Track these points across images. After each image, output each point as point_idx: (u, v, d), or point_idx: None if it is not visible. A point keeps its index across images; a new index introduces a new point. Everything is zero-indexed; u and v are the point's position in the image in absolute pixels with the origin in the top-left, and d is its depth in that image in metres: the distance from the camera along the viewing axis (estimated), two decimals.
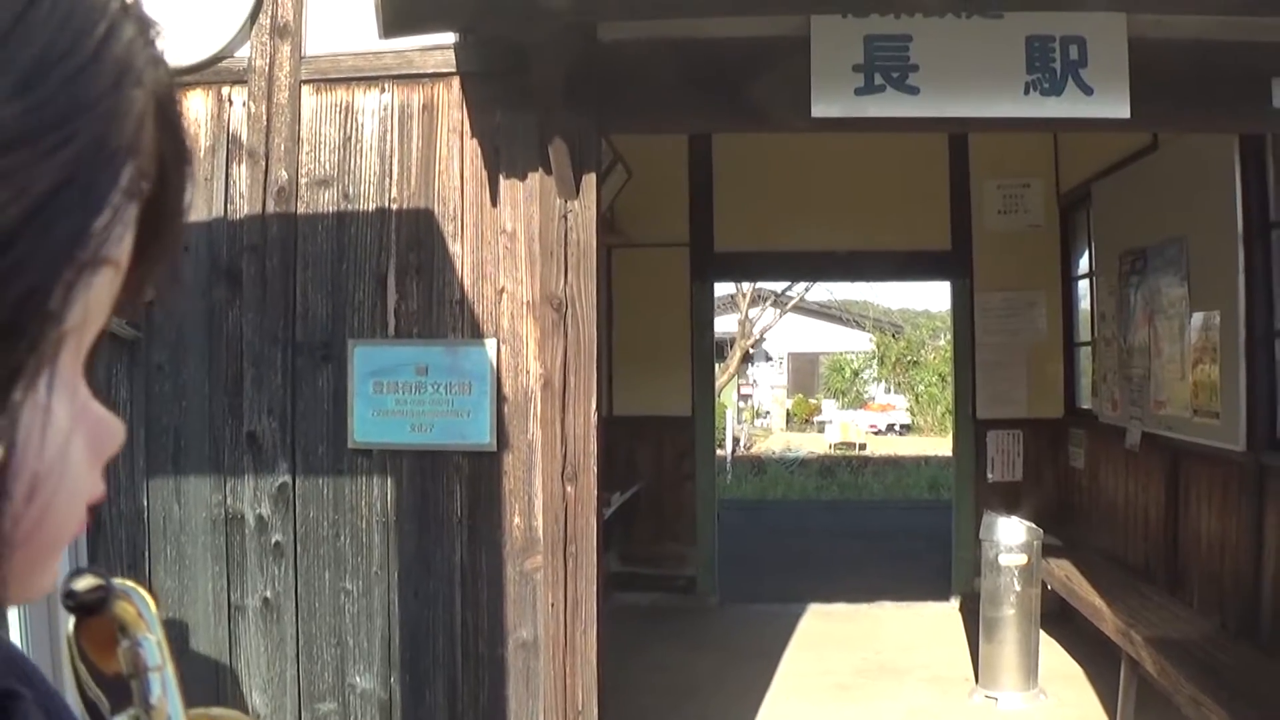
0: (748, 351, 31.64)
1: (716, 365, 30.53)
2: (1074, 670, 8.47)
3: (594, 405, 5.21)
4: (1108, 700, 7.50)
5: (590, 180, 5.19)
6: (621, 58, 5.20)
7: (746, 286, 28.95)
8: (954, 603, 10.77)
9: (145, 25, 0.64)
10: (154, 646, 0.94)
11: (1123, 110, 4.80)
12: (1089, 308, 10.26)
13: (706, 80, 5.16)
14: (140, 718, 0.93)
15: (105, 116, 0.60)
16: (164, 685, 0.95)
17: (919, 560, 12.81)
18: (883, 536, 15.53)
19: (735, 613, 10.98)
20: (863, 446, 29.14)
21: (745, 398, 36.06)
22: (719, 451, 23.61)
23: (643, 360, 11.44)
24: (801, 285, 30.26)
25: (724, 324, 31.12)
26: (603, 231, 10.12)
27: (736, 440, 27.95)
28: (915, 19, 4.89)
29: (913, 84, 4.90)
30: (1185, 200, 7.57)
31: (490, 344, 5.26)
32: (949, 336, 32.78)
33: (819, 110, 4.95)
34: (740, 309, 29.57)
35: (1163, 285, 8.00)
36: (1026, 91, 4.86)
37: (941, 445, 25.25)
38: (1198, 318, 7.41)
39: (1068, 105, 4.84)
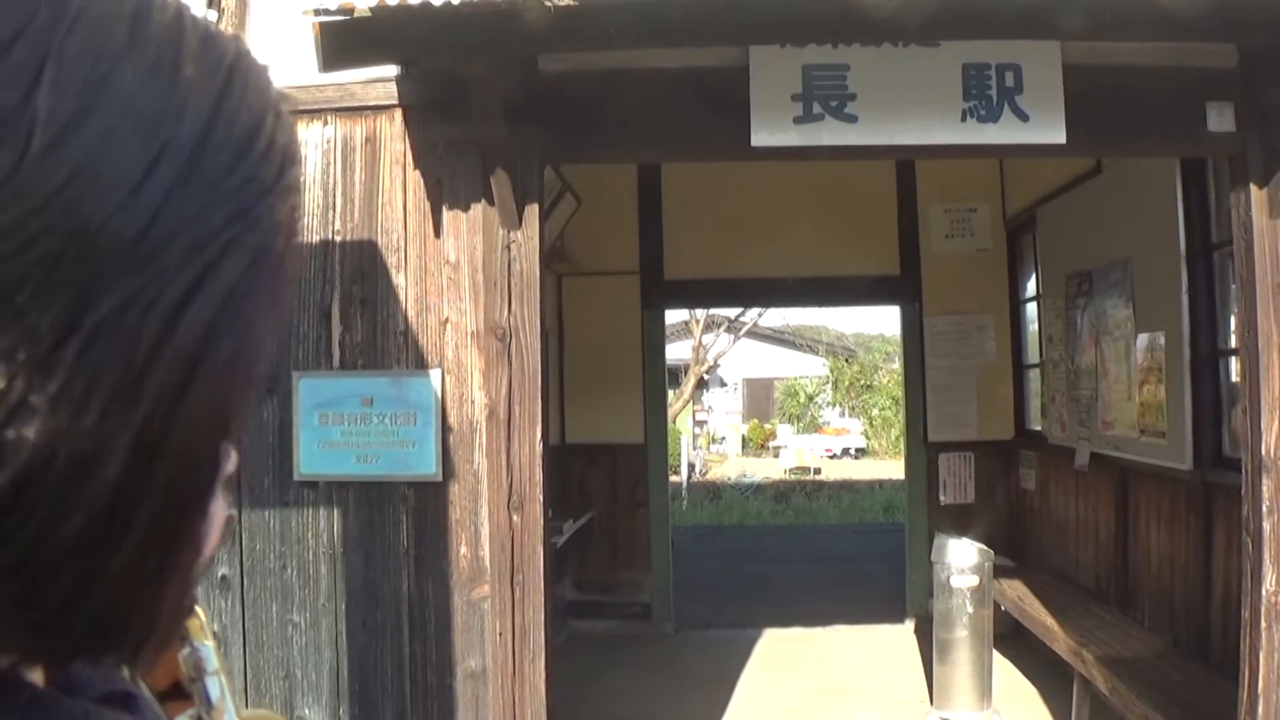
0: (702, 378, 31.58)
1: (671, 392, 30.59)
2: (1028, 690, 8.50)
3: (539, 434, 5.21)
4: (1060, 717, 7.53)
5: (533, 210, 5.21)
6: (563, 89, 5.23)
7: (700, 312, 28.92)
8: (909, 625, 10.81)
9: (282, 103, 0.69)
10: (211, 652, 1.02)
11: (1058, 136, 4.87)
12: (1037, 330, 10.32)
13: (648, 110, 5.20)
14: (203, 717, 0.98)
15: (287, 191, 0.66)
16: (221, 688, 1.03)
17: (874, 583, 12.86)
18: (838, 560, 15.55)
19: (691, 639, 10.97)
20: (818, 471, 29.20)
21: (700, 424, 36.04)
22: (674, 478, 23.56)
23: (595, 387, 11.44)
24: (755, 311, 30.27)
25: (678, 350, 31.12)
26: (545, 260, 10.18)
27: (692, 466, 27.90)
28: (853, 49, 4.95)
29: (851, 112, 4.96)
30: (1129, 223, 7.65)
31: (435, 374, 5.26)
32: (902, 360, 32.77)
33: (759, 139, 5.00)
34: (694, 335, 29.54)
35: (1108, 307, 8.08)
36: (964, 118, 4.92)
37: (896, 469, 25.23)
38: (1143, 338, 7.49)
39: (1004, 132, 4.90)
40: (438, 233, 5.28)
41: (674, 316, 29.22)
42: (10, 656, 0.59)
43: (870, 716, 8.31)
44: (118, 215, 0.56)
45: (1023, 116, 4.89)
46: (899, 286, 11.19)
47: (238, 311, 0.61)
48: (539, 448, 5.22)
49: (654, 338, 11.76)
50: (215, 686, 1.02)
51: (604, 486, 11.70)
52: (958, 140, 4.98)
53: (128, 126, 0.58)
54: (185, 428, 0.60)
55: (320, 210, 5.38)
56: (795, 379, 40.07)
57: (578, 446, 11.58)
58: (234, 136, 0.62)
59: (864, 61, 4.96)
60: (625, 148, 5.50)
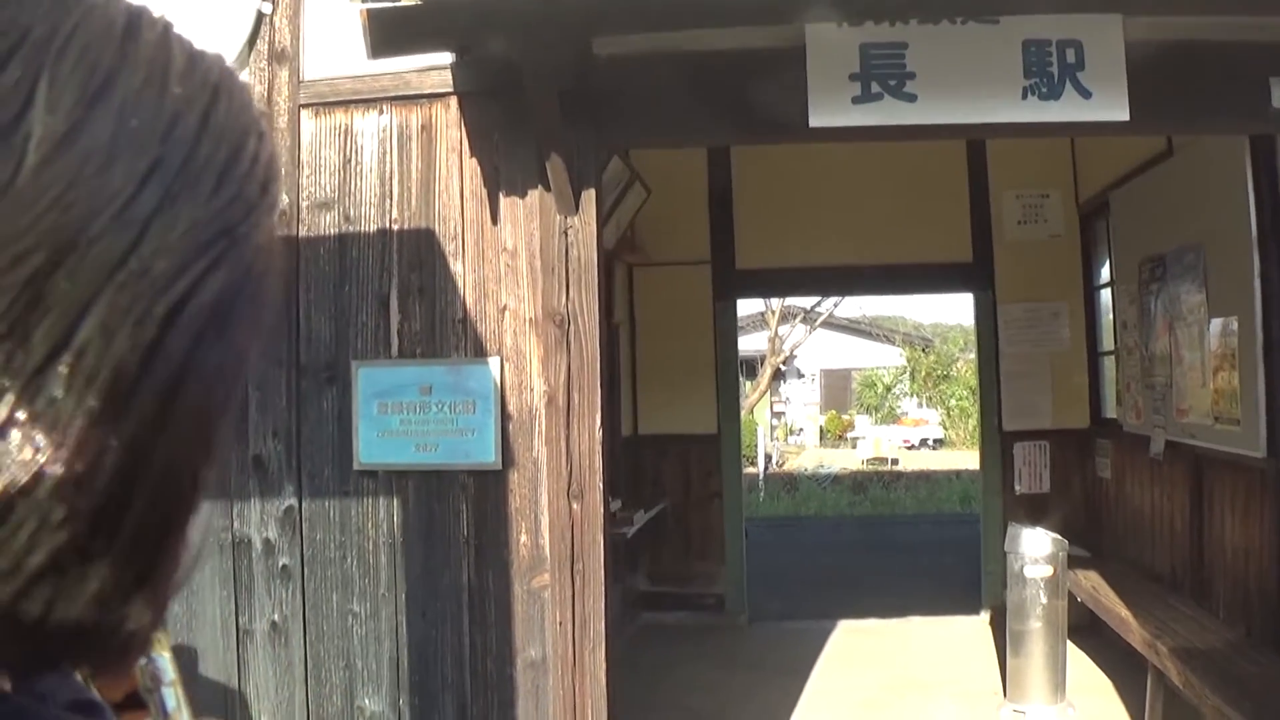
0: (778, 369, 31.56)
1: (748, 383, 30.61)
2: (1102, 682, 8.35)
3: (599, 421, 5.18)
4: (1135, 712, 7.39)
5: (590, 196, 5.17)
6: (618, 72, 5.19)
7: (775, 303, 28.93)
8: (984, 616, 10.66)
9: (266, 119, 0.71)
10: (167, 663, 1.05)
11: (1121, 113, 4.75)
12: (1111, 317, 10.15)
13: (703, 93, 5.15)
14: None
15: (270, 208, 0.67)
16: (178, 699, 1.07)
17: (949, 574, 12.69)
18: (914, 551, 15.41)
19: (765, 630, 10.89)
20: (895, 462, 28.93)
21: (778, 415, 35.89)
22: (751, 469, 23.60)
23: (667, 378, 11.40)
24: (831, 301, 30.23)
25: (754, 341, 31.20)
26: (616, 251, 10.26)
27: (769, 458, 27.78)
28: (911, 26, 4.85)
29: (910, 91, 4.87)
30: (1200, 206, 7.49)
31: (494, 362, 5.24)
32: (976, 348, 32.37)
33: (816, 120, 4.92)
34: (770, 326, 29.49)
35: (1181, 292, 7.92)
36: (1024, 96, 4.82)
37: (973, 459, 24.76)
38: (1216, 324, 7.32)
39: (1066, 109, 4.79)
40: (495, 220, 5.26)
41: (749, 307, 29.39)
42: None
43: (943, 709, 8.20)
44: (110, 231, 0.57)
45: (1085, 94, 4.77)
46: (972, 273, 11.04)
47: (223, 326, 0.62)
48: (598, 435, 5.19)
49: (726, 328, 11.70)
50: (171, 697, 1.06)
51: (677, 478, 11.65)
52: (1019, 119, 4.88)
53: (119, 143, 0.59)
54: (171, 443, 0.60)
55: (377, 199, 5.38)
56: (873, 369, 39.76)
57: (650, 438, 11.58)
58: (220, 154, 0.64)
59: (922, 39, 4.86)
60: (682, 131, 5.45)
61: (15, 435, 0.55)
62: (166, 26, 0.65)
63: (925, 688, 8.65)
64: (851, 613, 11.04)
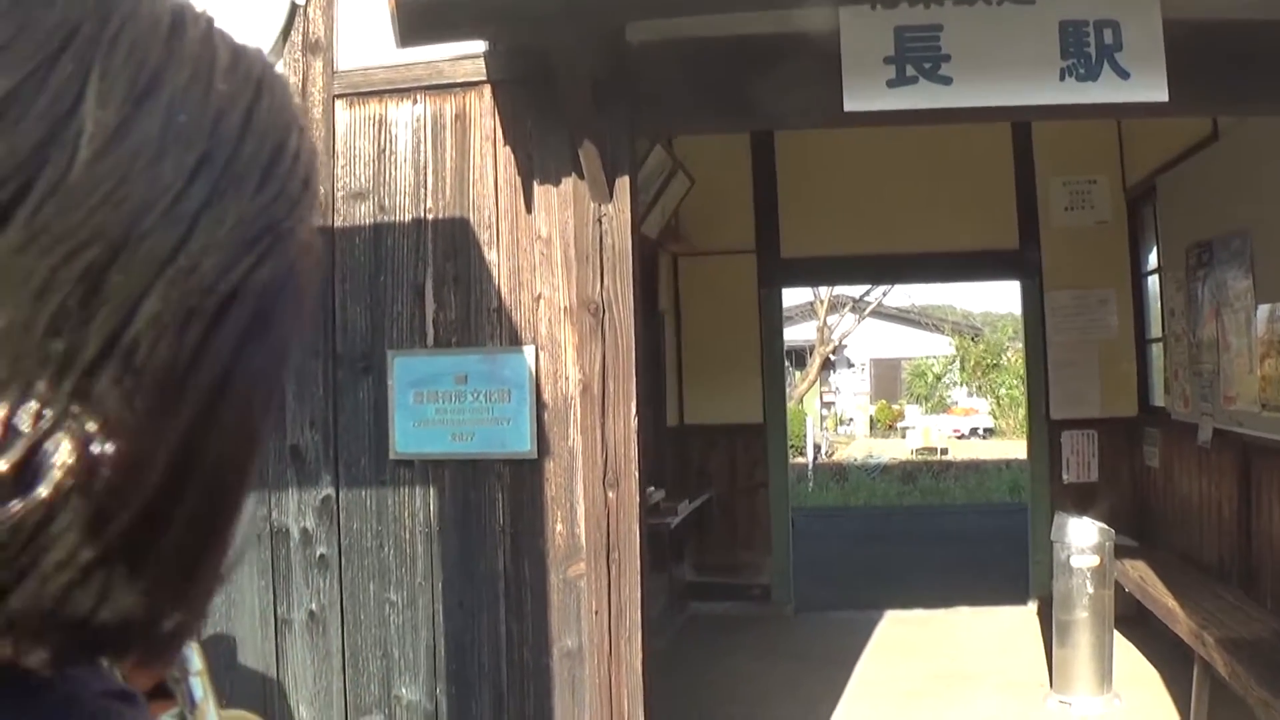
0: (828, 358, 31.50)
1: (796, 373, 30.56)
2: (1150, 673, 8.28)
3: (634, 410, 5.16)
4: (1182, 704, 7.30)
5: (624, 183, 5.14)
6: (650, 58, 5.16)
7: (824, 293, 28.88)
8: (1031, 606, 10.58)
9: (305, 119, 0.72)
10: (195, 654, 1.08)
11: (1160, 94, 4.67)
12: (1159, 303, 10.04)
13: (737, 78, 5.10)
14: (186, 716, 1.05)
15: (310, 204, 0.68)
16: (204, 689, 1.09)
17: (997, 564, 12.63)
18: (962, 541, 15.37)
19: (811, 620, 10.89)
20: (944, 451, 28.86)
21: (828, 405, 35.83)
22: (800, 460, 23.59)
23: (713, 368, 11.42)
24: (880, 290, 30.16)
25: (803, 331, 31.19)
26: (660, 241, 10.27)
27: (818, 448, 27.73)
28: (945, 8, 4.80)
29: (945, 74, 4.81)
30: (1248, 190, 7.39)
31: (528, 351, 5.24)
32: (1023, 336, 32.17)
33: (851, 104, 4.87)
34: (818, 316, 29.43)
35: (1228, 278, 7.83)
36: (1062, 78, 4.75)
37: (1023, 448, 24.73)
38: (1263, 310, 7.23)
39: (1105, 90, 4.72)
40: (529, 208, 5.25)
41: (796, 297, 29.33)
42: (43, 655, 0.59)
43: (988, 700, 8.15)
44: (160, 225, 0.58)
45: (1123, 74, 4.70)
46: (1018, 261, 10.97)
47: (268, 321, 0.63)
48: (634, 423, 5.17)
49: (771, 317, 11.72)
50: (199, 687, 1.11)
51: (723, 467, 11.65)
52: (1057, 100, 4.81)
53: (168, 139, 0.59)
54: (219, 438, 0.61)
55: (412, 189, 5.38)
56: (923, 359, 39.64)
57: (696, 428, 11.60)
58: (263, 150, 0.64)
59: (958, 21, 4.81)
60: (715, 117, 5.42)
61: (68, 431, 0.55)
62: (209, 22, 0.66)
63: (971, 678, 8.61)
64: (898, 603, 11.02)
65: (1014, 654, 9.19)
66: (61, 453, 0.55)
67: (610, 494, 5.14)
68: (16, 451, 0.55)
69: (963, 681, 8.57)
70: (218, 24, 0.66)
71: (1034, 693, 8.16)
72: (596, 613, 5.13)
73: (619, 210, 5.14)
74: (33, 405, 0.55)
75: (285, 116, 0.67)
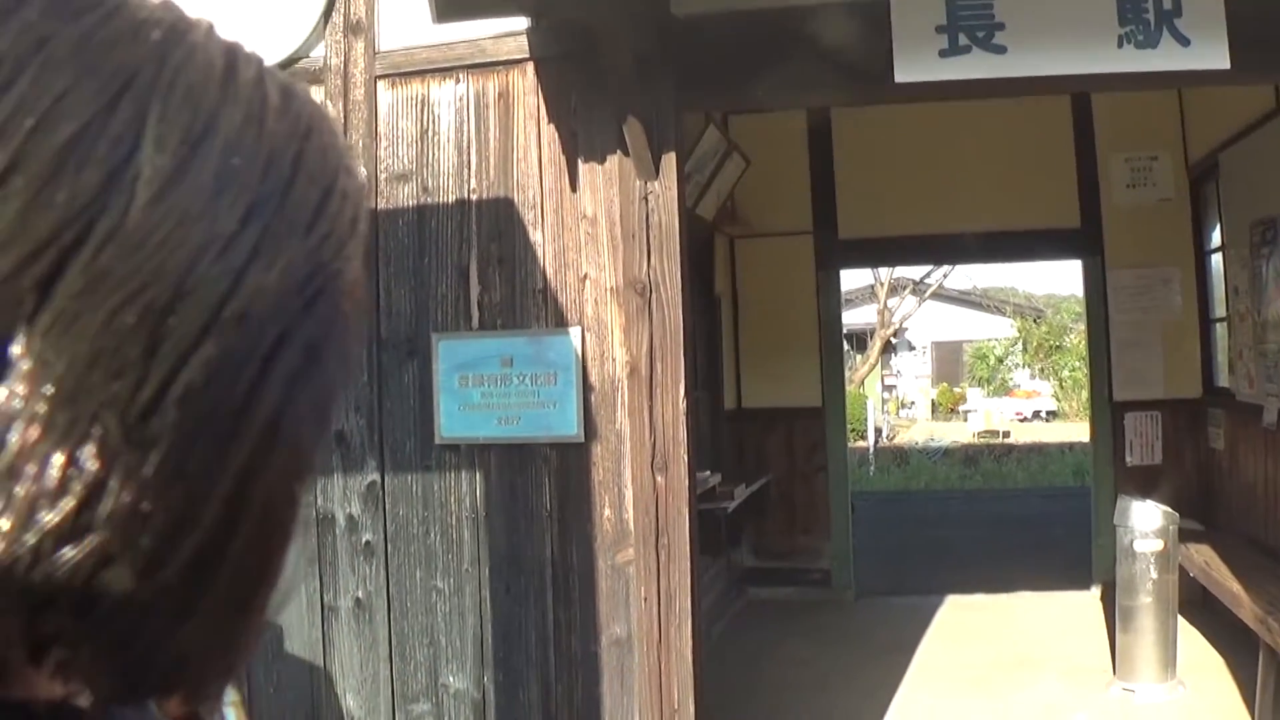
0: (889, 341, 31.32)
1: (857, 356, 30.41)
2: (1214, 660, 8.07)
3: (683, 392, 5.05)
4: (1247, 691, 7.11)
5: (670, 159, 5.03)
6: (696, 32, 5.05)
7: (884, 275, 28.71)
8: (1094, 591, 10.37)
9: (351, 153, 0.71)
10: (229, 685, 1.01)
11: (1221, 61, 4.50)
12: (1223, 282, 9.81)
13: (785, 51, 4.98)
14: None
15: (358, 245, 0.67)
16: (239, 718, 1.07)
17: (1059, 548, 12.39)
18: (1024, 525, 15.13)
19: (871, 606, 10.74)
20: (1006, 434, 28.48)
21: (889, 388, 35.62)
22: (861, 443, 23.41)
23: (770, 351, 11.29)
24: (940, 272, 29.93)
25: (863, 314, 31.02)
26: (716, 222, 10.18)
27: (879, 431, 27.53)
28: None
29: (999, 43, 4.66)
30: None
31: (574, 332, 5.15)
32: (1085, 316, 31.91)
33: (902, 75, 4.73)
34: (879, 298, 29.26)
35: None
36: (1120, 45, 4.59)
37: (1086, 431, 24.59)
38: None
39: (1164, 58, 4.56)
40: (574, 187, 5.16)
41: (856, 279, 29.20)
42: (95, 694, 0.60)
43: (1050, 687, 7.96)
44: (214, 269, 0.58)
45: (1183, 41, 4.53)
46: (1080, 240, 10.75)
47: (317, 362, 0.63)
48: (683, 405, 5.06)
49: (830, 299, 11.56)
50: (231, 714, 1.07)
51: (781, 451, 11.50)
52: (1115, 68, 4.65)
53: (222, 181, 0.59)
54: (271, 476, 0.61)
55: (455, 170, 5.30)
56: (984, 341, 39.21)
57: (754, 411, 11.48)
58: (313, 191, 0.64)
59: None
60: (763, 92, 5.28)
61: (125, 473, 0.55)
62: (260, 63, 0.66)
63: (1033, 665, 8.44)
64: (960, 588, 10.85)
65: (1077, 640, 9.01)
66: (119, 495, 0.55)
67: (659, 478, 5.04)
68: (75, 494, 0.55)
69: (1025, 668, 8.39)
70: (267, 63, 0.66)
71: (1097, 679, 7.98)
72: (646, 600, 5.04)
73: (665, 187, 5.03)
74: (91, 448, 0.55)
75: (334, 156, 0.67)
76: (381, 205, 5.33)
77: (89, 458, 0.55)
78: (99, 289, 0.55)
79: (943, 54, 4.70)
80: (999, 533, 14.72)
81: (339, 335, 0.65)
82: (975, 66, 4.69)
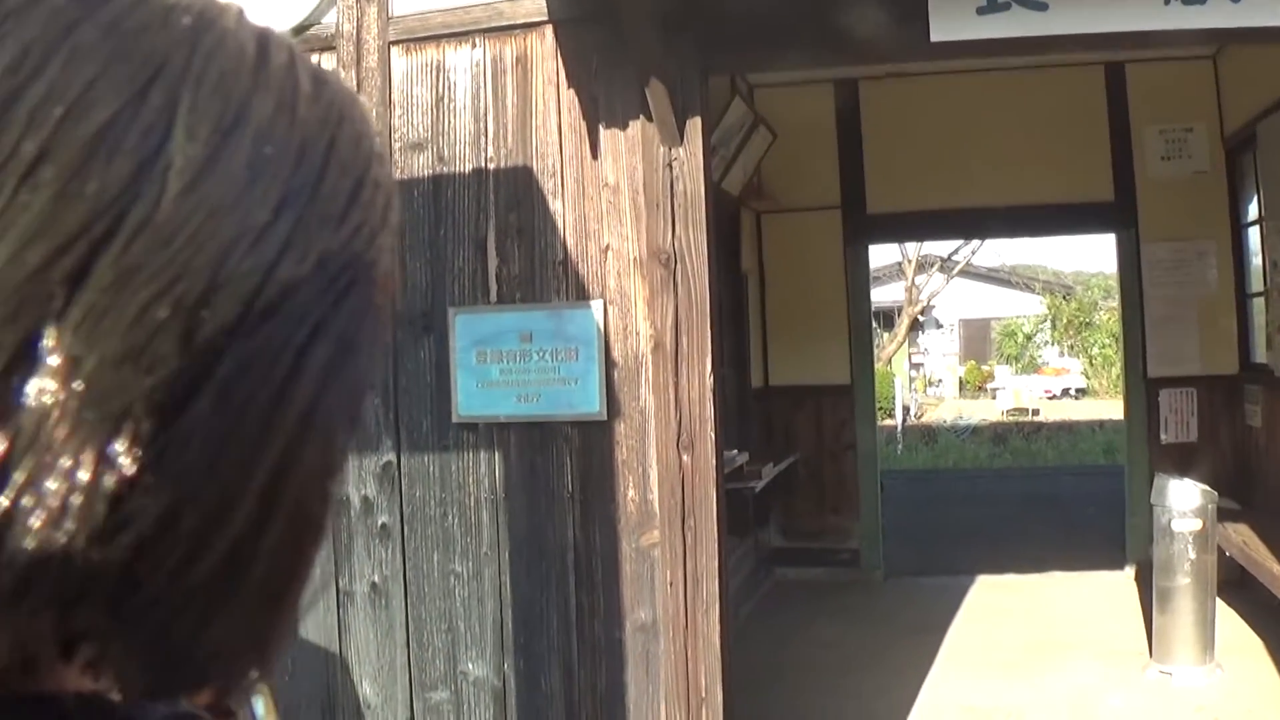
0: (916, 319, 31.20)
1: (885, 334, 30.22)
2: (1253, 642, 7.93)
3: (709, 367, 4.86)
4: None
5: (695, 124, 4.84)
6: None
7: (912, 253, 28.57)
8: (1128, 571, 10.23)
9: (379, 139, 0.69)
10: None
11: (1275, 17, 4.27)
12: (1260, 256, 9.65)
13: (814, 11, 4.77)
14: None
15: (390, 235, 0.65)
16: (267, 705, 1.12)
17: (1092, 528, 12.31)
18: (1055, 504, 15.01)
19: (900, 586, 10.67)
20: (1035, 412, 28.50)
21: (916, 366, 35.64)
22: (889, 421, 23.33)
23: (798, 328, 11.17)
24: (969, 249, 29.77)
25: (891, 292, 30.88)
26: (742, 197, 10.01)
27: (907, 410, 27.48)
28: None
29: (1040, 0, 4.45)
30: None
31: (596, 306, 4.97)
32: (1119, 291, 31.95)
33: (938, 34, 4.52)
34: (906, 276, 29.11)
35: None
36: (1167, 1, 4.36)
37: (1117, 409, 25.09)
38: None
39: (1214, 14, 4.33)
40: (595, 154, 4.97)
41: (885, 257, 29.02)
42: (127, 689, 0.58)
43: (1085, 669, 7.81)
44: (247, 261, 0.56)
45: None
46: (1114, 213, 10.56)
47: (350, 355, 0.61)
48: (710, 382, 4.87)
49: (858, 275, 11.44)
50: (260, 705, 1.10)
51: (809, 430, 11.41)
52: (1163, 25, 4.42)
53: (255, 171, 0.58)
54: (304, 471, 0.60)
55: (472, 137, 5.12)
56: (1012, 319, 39.08)
57: (781, 389, 11.38)
58: (346, 181, 0.62)
59: None
60: (791, 53, 5.07)
61: (158, 470, 0.54)
62: (292, 49, 0.64)
63: (1066, 647, 8.30)
64: (990, 568, 10.74)
65: (1111, 621, 8.88)
66: (152, 492, 0.54)
67: (685, 457, 4.85)
68: (108, 491, 0.53)
69: (1058, 651, 8.25)
70: (299, 49, 0.65)
71: (1133, 662, 7.84)
72: (671, 584, 4.86)
73: (690, 154, 4.83)
74: (123, 444, 0.53)
75: (366, 145, 0.65)
76: (396, 176, 5.14)
77: (121, 454, 0.53)
78: (130, 282, 0.54)
79: (980, 11, 4.49)
80: (1029, 511, 14.60)
81: (371, 328, 0.63)
82: (1015, 24, 4.48)
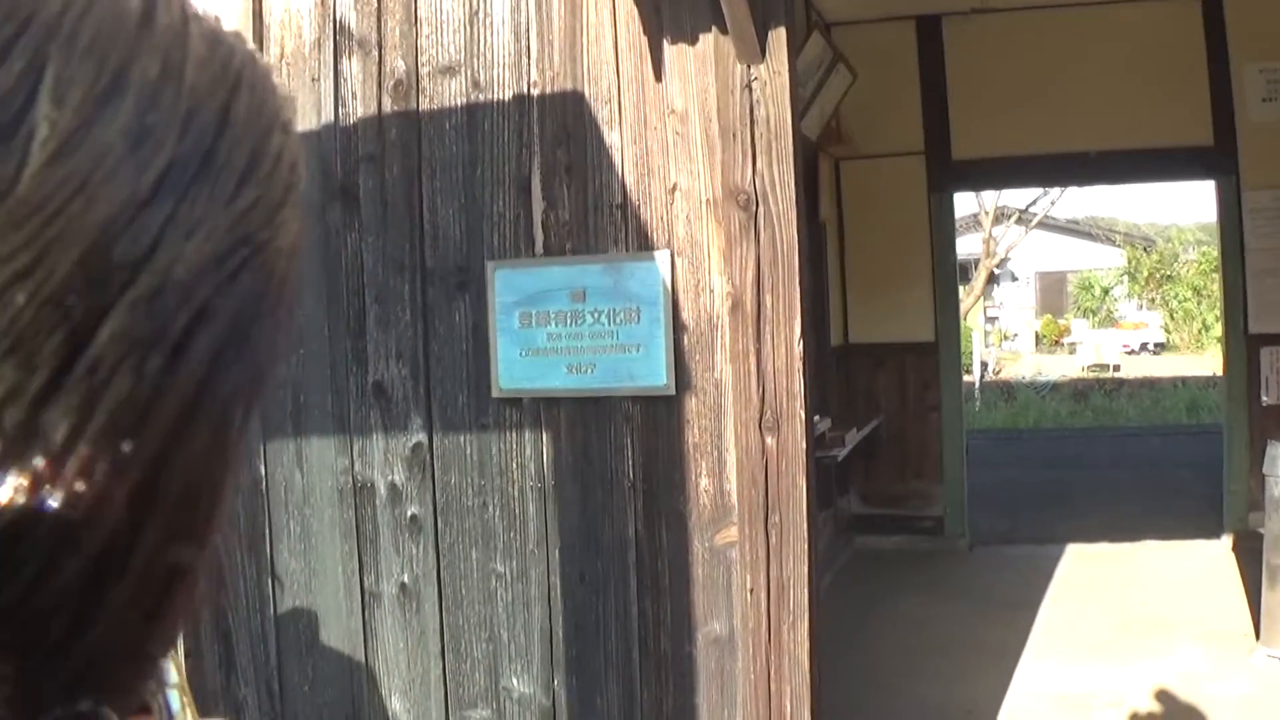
0: (992, 272, 30.79)
1: (961, 287, 29.55)
2: None
3: (798, 331, 4.10)
4: None
5: (779, 36, 4.04)
6: None
7: (989, 204, 28.09)
8: (1226, 541, 9.81)
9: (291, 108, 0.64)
10: (172, 666, 0.98)
11: None
12: None
13: None
14: None
15: (294, 211, 0.61)
16: (181, 701, 1.08)
17: (1184, 493, 11.96)
18: (1143, 467, 14.61)
19: (986, 555, 10.39)
20: (1116, 368, 28.41)
21: (992, 320, 35.46)
22: (967, 378, 22.87)
23: (879, 282, 10.81)
24: (1047, 200, 29.33)
25: (967, 244, 30.29)
26: (820, 142, 9.34)
27: (984, 365, 27.15)
28: None
29: None
30: None
31: (662, 257, 4.24)
32: (1201, 250, 31.54)
33: None
34: (983, 228, 28.65)
35: None
36: None
37: (1199, 364, 25.33)
38: None
39: None
40: (658, 75, 4.22)
41: (960, 208, 28.30)
42: (11, 699, 0.52)
43: (1186, 653, 7.42)
44: (123, 237, 0.51)
45: None
46: (1213, 158, 9.98)
47: (244, 340, 0.56)
48: (798, 349, 4.11)
49: (943, 224, 11.03)
50: (175, 699, 1.03)
51: (892, 390, 11.07)
52: None
53: (133, 140, 0.52)
54: (187, 467, 0.54)
55: (512, 60, 4.41)
56: (1089, 271, 38.80)
57: (862, 347, 11.04)
58: (240, 152, 0.56)
59: None
60: None
61: (15, 468, 0.48)
62: (184, 5, 0.56)
63: (1166, 627, 7.95)
64: (1080, 536, 10.52)
65: (1211, 598, 8.50)
66: (14, 492, 0.48)
67: (769, 440, 4.11)
68: None
69: (1157, 631, 7.87)
70: (192, 6, 0.56)
71: (1237, 644, 7.48)
72: (752, 591, 4.14)
73: (774, 72, 4.04)
74: None
75: (266, 113, 0.58)
76: (424, 106, 4.51)
77: None
78: None
79: None
80: (1117, 475, 14.33)
81: (270, 310, 0.57)
82: None
